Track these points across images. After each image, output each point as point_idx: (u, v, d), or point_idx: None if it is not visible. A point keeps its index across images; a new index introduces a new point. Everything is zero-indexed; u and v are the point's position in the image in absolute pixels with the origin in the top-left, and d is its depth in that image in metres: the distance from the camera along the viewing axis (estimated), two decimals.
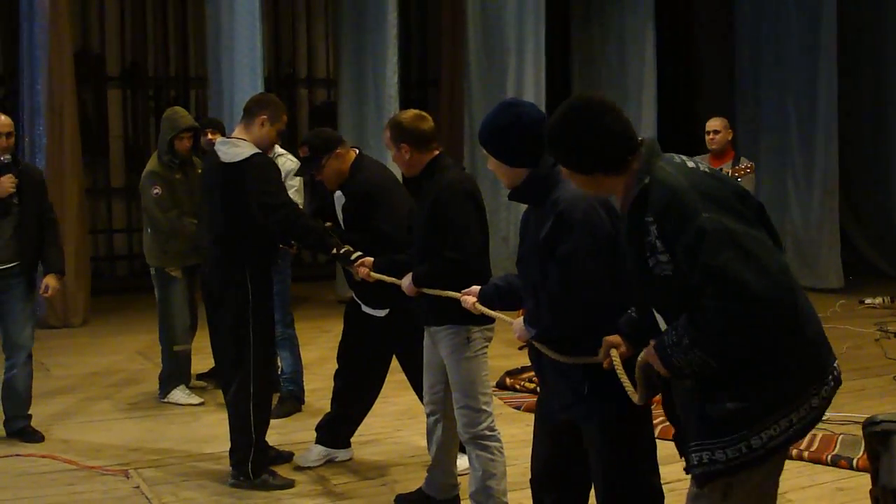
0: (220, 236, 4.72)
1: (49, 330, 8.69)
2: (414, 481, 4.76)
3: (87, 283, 9.18)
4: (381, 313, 4.84)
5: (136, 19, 11.81)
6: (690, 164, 2.67)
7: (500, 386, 6.58)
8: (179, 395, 6.32)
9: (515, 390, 6.57)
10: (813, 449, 5.17)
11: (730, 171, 6.91)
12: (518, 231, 3.45)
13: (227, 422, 4.85)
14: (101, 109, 11.73)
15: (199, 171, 6.15)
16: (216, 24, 9.16)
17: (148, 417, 6.08)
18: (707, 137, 7.30)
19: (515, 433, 5.28)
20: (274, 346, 5.12)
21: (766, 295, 2.41)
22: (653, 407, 3.20)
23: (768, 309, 2.42)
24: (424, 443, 4.66)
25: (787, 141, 10.99)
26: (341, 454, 5.18)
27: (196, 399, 6.31)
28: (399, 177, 5.32)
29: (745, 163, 7.08)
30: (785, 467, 4.87)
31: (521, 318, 3.30)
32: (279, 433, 5.45)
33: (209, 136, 6.45)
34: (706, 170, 2.66)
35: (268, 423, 4.86)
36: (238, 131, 4.79)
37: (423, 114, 4.35)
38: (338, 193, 4.92)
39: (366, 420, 5.24)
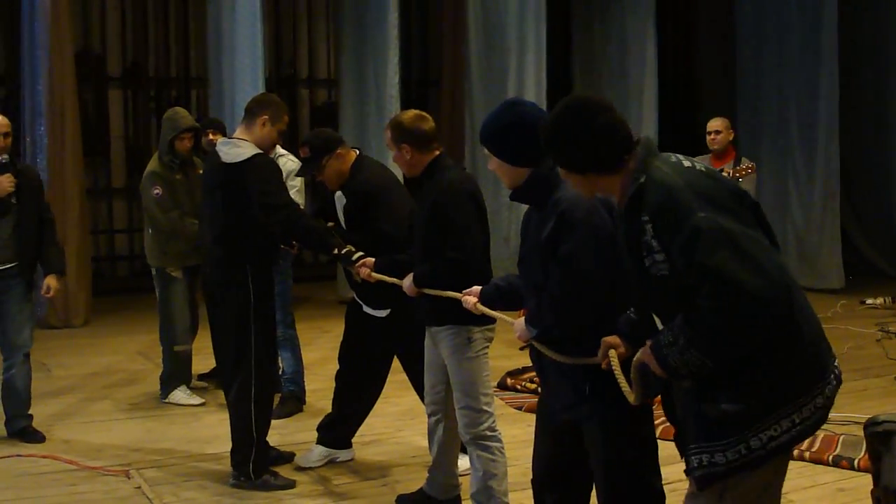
0: (221, 236, 4.72)
1: (50, 330, 8.70)
2: (415, 482, 4.76)
3: (88, 284, 9.19)
4: (383, 314, 4.84)
5: (138, 19, 11.81)
6: (687, 163, 2.66)
7: (502, 386, 6.58)
8: (180, 395, 6.32)
9: (517, 391, 6.57)
10: (814, 449, 5.17)
11: (731, 172, 6.91)
12: (519, 231, 3.45)
13: (228, 422, 4.85)
14: (102, 110, 11.74)
15: (200, 171, 6.15)
16: (217, 24, 9.16)
17: (149, 418, 6.08)
18: (708, 138, 7.30)
19: (517, 433, 5.28)
20: (275, 347, 5.12)
21: (761, 294, 2.40)
22: (654, 407, 3.21)
23: (764, 308, 2.42)
24: (426, 443, 4.66)
25: (788, 141, 10.99)
26: (342, 454, 5.18)
27: (197, 399, 6.31)
28: (400, 177, 5.32)
29: (746, 163, 7.08)
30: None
31: (523, 318, 3.30)
32: (280, 434, 5.45)
33: (210, 137, 6.45)
34: (702, 169, 2.65)
35: (269, 424, 4.86)
36: (239, 132, 4.79)
37: (424, 114, 4.35)
38: (338, 194, 4.92)
39: (367, 420, 5.24)
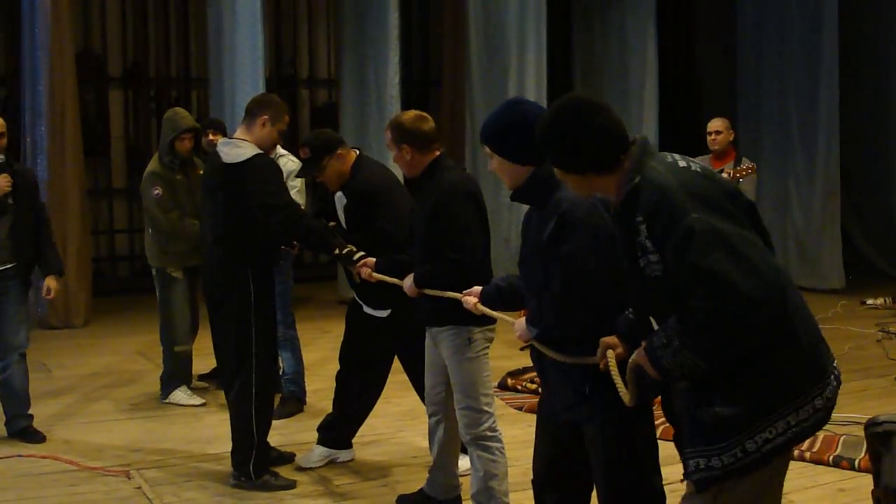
0: (222, 237, 4.72)
1: (50, 330, 8.71)
2: (416, 482, 4.76)
3: (88, 284, 9.19)
4: (383, 314, 4.84)
5: (138, 20, 11.81)
6: (682, 163, 2.65)
7: (502, 387, 6.58)
8: (181, 395, 6.32)
9: (517, 391, 6.57)
10: (815, 450, 5.16)
11: (731, 172, 6.91)
12: (519, 232, 3.45)
13: (228, 422, 4.86)
14: (103, 110, 11.73)
15: (201, 171, 6.15)
16: (217, 24, 9.16)
17: (149, 418, 6.08)
18: (709, 138, 7.30)
19: (517, 434, 5.28)
20: (276, 347, 5.12)
21: (755, 295, 2.39)
22: (654, 407, 3.21)
23: (757, 310, 2.41)
24: (426, 443, 4.66)
25: (788, 141, 10.98)
26: (343, 455, 5.18)
27: (197, 400, 6.31)
28: (400, 177, 5.32)
29: (746, 163, 7.08)
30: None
31: (523, 318, 3.30)
32: (281, 434, 5.45)
33: (210, 137, 6.46)
34: (697, 169, 2.64)
35: (270, 424, 4.86)
36: (240, 132, 4.79)
37: (425, 115, 4.35)
38: (339, 194, 4.92)
39: (367, 421, 5.24)
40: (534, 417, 3.44)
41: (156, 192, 6.17)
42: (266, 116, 4.72)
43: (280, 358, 5.92)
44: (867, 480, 4.00)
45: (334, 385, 5.16)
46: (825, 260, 10.76)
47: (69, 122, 8.85)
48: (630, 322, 2.90)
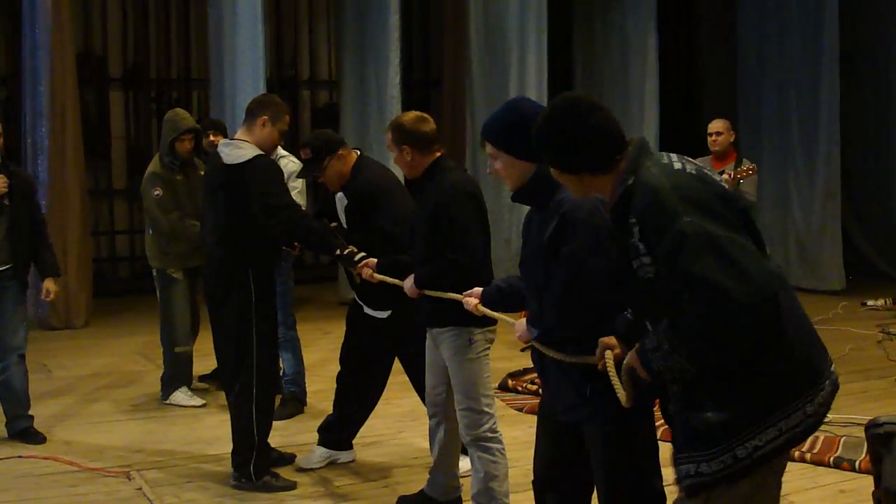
0: (223, 238, 4.72)
1: (51, 331, 8.72)
2: (416, 483, 4.76)
3: (89, 285, 9.19)
4: (384, 315, 4.84)
5: (139, 21, 11.82)
6: (677, 164, 2.62)
7: (503, 388, 6.58)
8: (181, 396, 6.32)
9: (518, 392, 6.57)
10: (815, 451, 5.16)
11: (732, 174, 6.91)
12: (520, 233, 3.45)
13: (229, 423, 4.86)
14: (103, 111, 11.74)
15: (201, 172, 6.15)
16: (218, 25, 9.16)
17: (150, 419, 6.08)
18: (709, 139, 7.30)
19: (517, 435, 5.28)
20: (277, 348, 5.12)
21: (745, 301, 2.37)
22: (654, 408, 3.20)
23: (748, 315, 2.39)
24: (427, 444, 4.66)
25: (789, 142, 10.99)
26: (343, 456, 5.18)
27: (198, 401, 6.31)
28: (401, 178, 5.32)
29: (747, 165, 7.07)
30: (787, 469, 4.86)
31: (524, 319, 3.30)
32: (281, 435, 5.45)
33: (211, 138, 6.46)
34: (692, 171, 2.60)
35: (270, 425, 4.86)
36: (240, 133, 4.79)
37: (425, 116, 4.35)
38: (339, 195, 4.93)
39: (368, 422, 5.24)
40: (534, 418, 3.44)
41: (156, 192, 6.17)
42: (266, 116, 4.72)
43: (281, 359, 5.92)
44: (868, 482, 4.00)
45: (335, 386, 5.16)
46: (826, 261, 10.75)
47: (70, 123, 8.85)
48: (629, 322, 2.89)
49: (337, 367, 5.17)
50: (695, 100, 13.41)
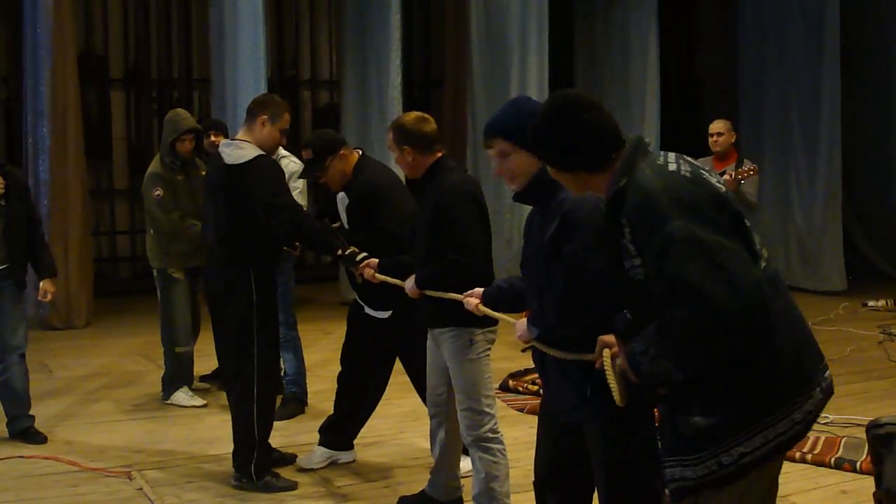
0: (224, 238, 4.72)
1: (52, 331, 8.72)
2: (417, 483, 4.76)
3: (90, 285, 9.19)
4: (384, 315, 4.84)
5: (140, 21, 11.82)
6: (672, 165, 2.58)
7: (504, 388, 6.58)
8: (182, 396, 6.32)
9: (519, 392, 6.57)
10: (816, 452, 5.16)
11: (733, 174, 6.90)
12: (521, 233, 3.44)
13: (230, 423, 4.86)
14: (105, 111, 11.75)
15: (202, 172, 6.15)
16: (219, 25, 9.17)
17: (151, 419, 6.08)
18: (710, 140, 7.30)
19: (518, 435, 5.28)
20: (278, 348, 5.12)
21: (730, 307, 2.35)
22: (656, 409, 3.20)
23: (733, 322, 2.37)
24: (427, 445, 4.65)
25: (790, 143, 10.98)
26: (344, 456, 5.18)
27: (199, 401, 6.31)
28: (402, 178, 5.32)
29: (748, 165, 7.06)
30: (788, 470, 4.86)
31: (524, 319, 3.29)
32: (282, 435, 5.45)
33: (212, 139, 6.46)
34: (686, 173, 2.56)
35: (271, 425, 4.86)
36: (241, 133, 4.79)
37: (426, 116, 4.35)
38: (341, 195, 4.93)
39: (369, 422, 5.24)
40: (535, 419, 3.44)
41: (157, 192, 6.17)
42: (265, 116, 4.72)
43: (282, 359, 5.92)
44: (869, 482, 4.01)
45: (336, 386, 5.16)
46: (826, 261, 10.75)
47: (71, 123, 8.86)
48: (628, 321, 2.88)
49: (338, 368, 5.17)
50: (696, 100, 13.41)
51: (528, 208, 3.36)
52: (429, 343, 4.33)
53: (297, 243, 5.54)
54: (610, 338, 2.86)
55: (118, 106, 11.86)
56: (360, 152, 5.02)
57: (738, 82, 11.69)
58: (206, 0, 9.91)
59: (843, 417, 5.70)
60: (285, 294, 5.94)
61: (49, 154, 8.77)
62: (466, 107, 10.35)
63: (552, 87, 10.30)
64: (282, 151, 5.86)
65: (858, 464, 4.96)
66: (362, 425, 5.22)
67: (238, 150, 4.66)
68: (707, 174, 2.62)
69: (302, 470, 5.06)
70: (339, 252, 4.67)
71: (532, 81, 10.25)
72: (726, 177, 6.80)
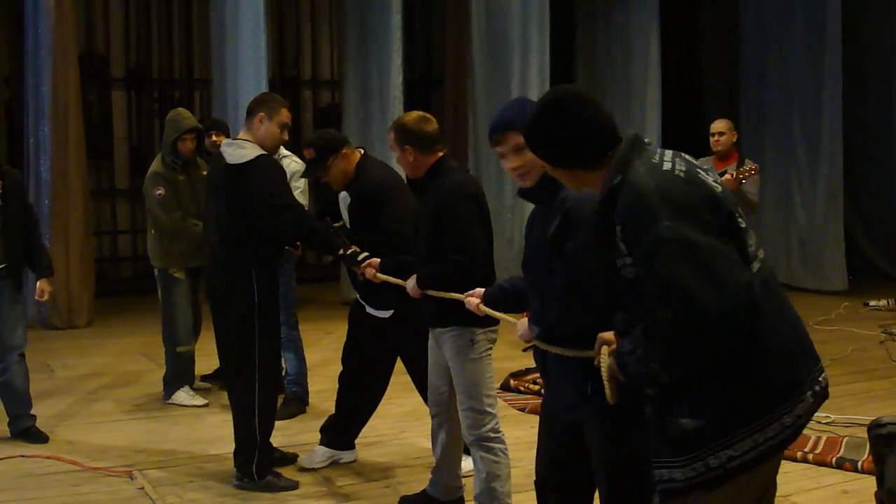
0: (226, 238, 4.72)
1: (53, 331, 8.73)
2: (418, 483, 4.76)
3: (91, 285, 9.20)
4: (386, 314, 4.84)
5: (141, 21, 11.83)
6: (667, 164, 2.56)
7: (505, 388, 6.58)
8: (183, 396, 6.32)
9: (520, 392, 6.57)
10: (818, 451, 5.16)
11: (735, 174, 6.90)
12: (522, 233, 3.44)
13: (231, 423, 4.86)
14: (106, 111, 11.76)
15: (203, 172, 6.16)
16: (220, 25, 9.17)
17: (152, 419, 6.08)
18: (711, 139, 7.29)
19: (520, 435, 5.28)
20: (279, 348, 5.12)
21: (717, 310, 2.34)
22: None
23: (720, 324, 2.35)
24: (429, 444, 4.65)
25: (791, 142, 10.98)
26: (346, 456, 5.18)
27: (200, 400, 6.32)
28: (404, 177, 5.32)
29: (749, 165, 7.06)
30: (789, 469, 4.87)
31: (525, 318, 3.29)
32: (284, 434, 5.45)
33: (213, 138, 6.46)
34: (681, 172, 2.54)
35: (272, 425, 4.86)
36: (242, 133, 4.79)
37: (428, 116, 4.35)
38: (343, 194, 4.93)
39: (370, 422, 5.24)
40: (536, 419, 3.44)
41: (158, 192, 6.17)
42: (262, 113, 4.71)
43: (283, 359, 5.92)
44: (870, 482, 4.00)
45: (337, 386, 5.16)
46: (828, 261, 10.75)
47: (72, 123, 8.86)
48: (627, 319, 2.88)
49: (339, 367, 5.17)
50: (697, 100, 13.41)
51: (528, 208, 3.36)
52: (430, 343, 4.33)
53: (298, 243, 5.54)
54: (609, 335, 2.86)
55: (119, 106, 11.87)
56: (363, 151, 5.02)
57: (740, 82, 11.70)
58: (207, 0, 9.91)
59: (845, 417, 5.70)
60: (287, 294, 5.94)
61: (50, 154, 8.78)
62: (467, 106, 10.35)
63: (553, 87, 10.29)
64: (283, 151, 5.87)
65: (860, 463, 4.96)
66: (363, 425, 5.22)
67: (240, 149, 4.66)
68: (703, 173, 2.59)
69: (303, 469, 5.06)
70: (341, 252, 4.67)
71: (533, 81, 10.26)
72: (727, 176, 6.80)
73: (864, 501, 4.45)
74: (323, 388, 6.25)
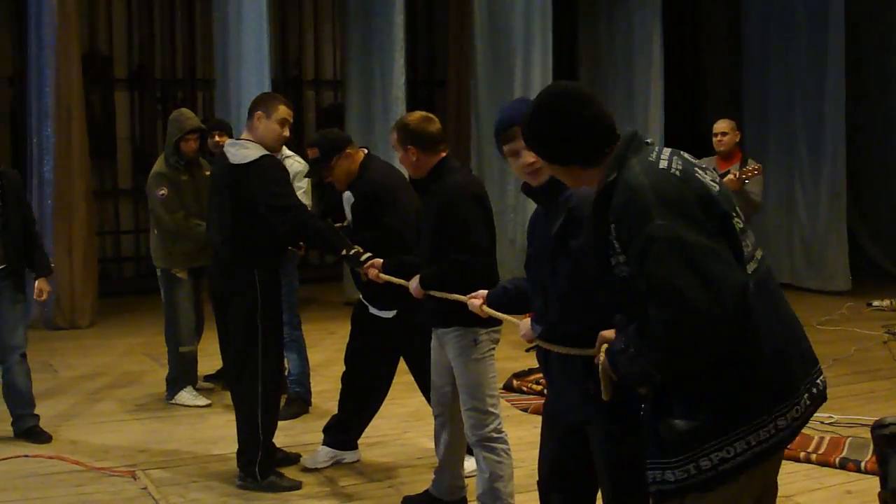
0: (229, 238, 4.73)
1: (56, 331, 8.74)
2: (421, 483, 4.76)
3: (94, 285, 9.20)
4: (389, 315, 4.84)
5: (144, 21, 11.83)
6: (663, 163, 2.53)
7: (508, 388, 6.58)
8: (186, 396, 6.33)
9: (523, 392, 6.57)
10: (821, 452, 5.15)
11: (737, 174, 6.89)
12: (525, 233, 3.44)
13: (234, 423, 4.86)
14: (109, 111, 11.75)
15: (206, 172, 6.16)
16: (223, 25, 9.18)
17: (155, 419, 6.09)
18: (714, 139, 7.29)
19: (522, 435, 5.28)
20: (282, 348, 5.12)
21: (707, 310, 2.31)
22: None
23: (710, 325, 2.33)
24: (432, 445, 4.66)
25: (794, 142, 10.97)
26: (348, 456, 5.18)
27: (203, 400, 6.32)
28: (407, 177, 5.32)
29: (752, 165, 7.05)
30: (792, 470, 4.86)
31: (528, 318, 3.29)
32: (286, 435, 5.45)
33: (216, 139, 6.47)
34: (677, 170, 2.51)
35: (275, 425, 4.86)
36: (244, 134, 4.80)
37: (430, 116, 4.35)
38: (346, 193, 4.93)
39: (373, 422, 5.25)
40: (539, 419, 3.44)
41: (161, 192, 6.18)
42: (260, 112, 4.72)
43: (286, 359, 5.93)
44: (874, 483, 4.00)
45: (340, 386, 5.17)
46: (831, 261, 10.74)
47: (75, 124, 8.87)
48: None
49: (342, 368, 5.17)
50: (700, 100, 13.40)
51: (531, 208, 3.36)
52: (433, 343, 4.33)
53: (301, 243, 5.54)
54: (610, 333, 2.85)
55: (122, 106, 11.87)
56: (366, 151, 5.03)
57: (743, 82, 11.68)
58: (209, 0, 9.91)
59: (848, 417, 5.69)
60: (289, 294, 5.94)
61: (53, 154, 8.79)
62: (470, 106, 10.35)
63: None
64: (286, 151, 5.87)
65: (863, 464, 4.95)
66: (366, 425, 5.22)
67: (243, 149, 4.66)
68: (701, 172, 2.56)
69: (306, 470, 5.06)
70: (344, 252, 4.67)
71: (536, 81, 10.25)
72: (730, 176, 6.79)
73: (867, 502, 4.44)
74: (326, 388, 6.26)
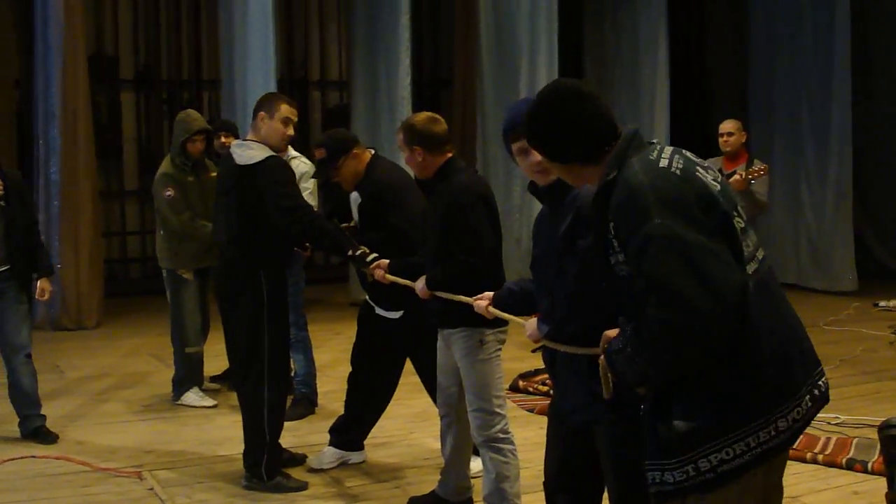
0: (235, 239, 4.73)
1: (62, 332, 8.76)
2: (427, 484, 4.76)
3: (100, 286, 9.23)
4: (395, 315, 4.84)
5: (150, 22, 11.86)
6: (664, 161, 2.51)
7: (514, 389, 6.58)
8: (193, 397, 6.33)
9: (529, 393, 6.56)
10: (828, 452, 5.14)
11: (744, 174, 6.88)
12: (530, 233, 3.44)
13: (240, 424, 4.86)
14: (115, 112, 11.79)
15: (212, 173, 6.17)
16: (229, 26, 9.19)
17: (161, 419, 6.09)
18: (721, 140, 7.28)
19: (529, 436, 5.27)
20: (288, 349, 5.13)
21: (705, 310, 2.30)
22: None
23: (707, 324, 2.31)
24: (438, 445, 4.65)
25: (800, 143, 10.96)
26: (355, 456, 5.18)
27: (209, 401, 6.33)
28: (413, 178, 5.32)
29: (758, 165, 7.04)
30: (799, 470, 4.86)
31: (534, 319, 3.29)
32: (293, 435, 5.46)
33: (222, 140, 6.47)
34: (678, 169, 2.48)
35: (281, 426, 4.86)
36: (250, 135, 4.80)
37: (436, 116, 4.35)
38: (354, 194, 4.93)
39: (379, 422, 5.25)
40: (545, 420, 3.44)
41: (168, 193, 6.19)
42: (262, 112, 4.73)
43: (292, 359, 5.93)
44: (881, 483, 4.00)
45: (346, 387, 5.17)
46: (837, 261, 10.73)
47: (82, 124, 8.89)
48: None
49: (348, 368, 5.18)
50: (706, 100, 13.39)
51: (536, 208, 3.35)
52: (439, 343, 4.33)
53: (307, 244, 5.55)
54: (614, 333, 2.85)
55: (129, 107, 11.90)
56: (373, 151, 5.03)
57: (749, 82, 11.68)
58: (216, 1, 9.93)
59: (855, 418, 5.68)
60: (296, 294, 5.95)
61: (60, 155, 8.81)
62: (476, 107, 10.36)
63: None
64: (292, 152, 5.88)
65: (870, 465, 4.94)
66: (373, 426, 5.22)
67: (249, 150, 4.67)
68: (703, 171, 2.54)
69: (312, 470, 5.06)
70: (350, 252, 4.67)
71: (541, 82, 10.23)
72: (737, 177, 6.78)
73: (874, 503, 4.43)
74: (332, 388, 6.26)
